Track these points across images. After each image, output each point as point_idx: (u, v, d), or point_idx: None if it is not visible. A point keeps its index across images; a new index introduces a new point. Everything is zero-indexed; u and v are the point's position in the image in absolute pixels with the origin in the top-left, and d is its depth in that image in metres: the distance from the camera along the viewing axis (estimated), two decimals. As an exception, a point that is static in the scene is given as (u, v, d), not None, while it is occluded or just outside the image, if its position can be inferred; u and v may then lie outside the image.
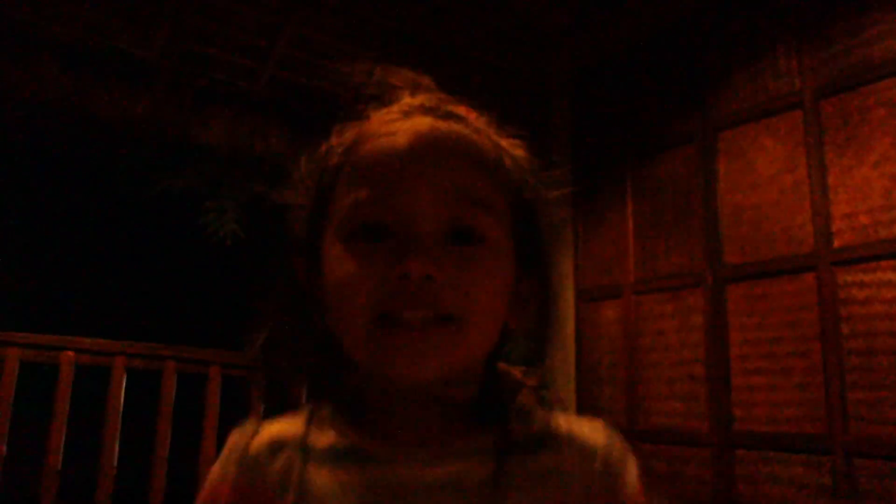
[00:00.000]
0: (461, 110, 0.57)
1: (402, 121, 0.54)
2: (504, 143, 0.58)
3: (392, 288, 0.49)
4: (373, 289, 0.50)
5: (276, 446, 0.57)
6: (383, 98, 0.58)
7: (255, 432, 0.58)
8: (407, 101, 0.57)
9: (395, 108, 0.56)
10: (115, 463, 2.66)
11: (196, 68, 3.34)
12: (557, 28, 3.65)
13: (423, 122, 0.53)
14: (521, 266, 0.56)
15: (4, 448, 2.49)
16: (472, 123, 0.56)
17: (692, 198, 3.15)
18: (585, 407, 3.46)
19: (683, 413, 3.03)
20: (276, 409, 0.61)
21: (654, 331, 3.22)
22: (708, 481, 2.88)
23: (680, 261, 3.16)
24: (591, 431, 0.59)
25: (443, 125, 0.54)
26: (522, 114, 3.79)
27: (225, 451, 0.59)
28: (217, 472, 0.58)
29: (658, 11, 3.35)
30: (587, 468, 0.57)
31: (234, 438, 0.59)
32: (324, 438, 0.56)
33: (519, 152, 0.59)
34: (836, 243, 2.63)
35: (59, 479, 2.56)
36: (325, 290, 0.54)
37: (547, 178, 0.61)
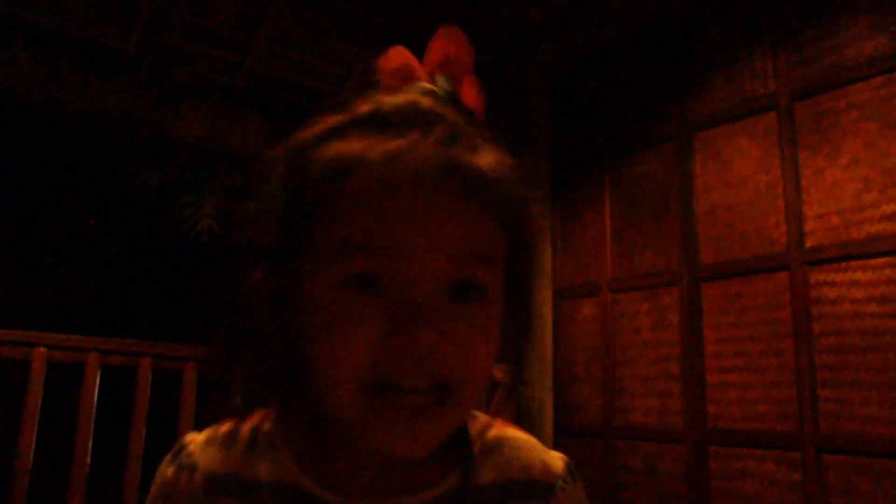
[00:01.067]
0: (477, 128, 0.49)
1: (402, 145, 0.45)
2: (503, 169, 0.49)
3: (392, 355, 0.44)
4: (369, 352, 0.44)
5: (212, 487, 0.52)
6: (367, 95, 0.50)
7: (190, 468, 0.53)
8: (399, 104, 0.48)
9: (386, 116, 0.47)
10: (89, 462, 2.63)
11: (174, 61, 3.30)
12: (537, 27, 3.66)
13: (425, 149, 0.45)
14: (507, 310, 0.51)
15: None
16: (475, 145, 0.48)
17: (669, 197, 3.19)
18: (562, 405, 3.49)
19: (659, 410, 3.07)
20: (213, 409, 0.56)
21: (631, 329, 3.25)
22: (682, 477, 2.92)
23: (656, 259, 3.20)
24: (544, 465, 0.58)
25: (457, 157, 0.45)
26: (502, 112, 3.79)
27: (160, 488, 0.54)
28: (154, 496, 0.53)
29: (637, 12, 3.38)
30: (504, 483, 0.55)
31: (166, 474, 0.54)
32: (264, 470, 0.51)
33: (513, 177, 0.51)
34: (809, 243, 2.68)
35: (28, 480, 2.52)
36: (307, 328, 0.47)
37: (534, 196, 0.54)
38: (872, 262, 2.50)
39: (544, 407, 3.55)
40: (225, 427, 0.55)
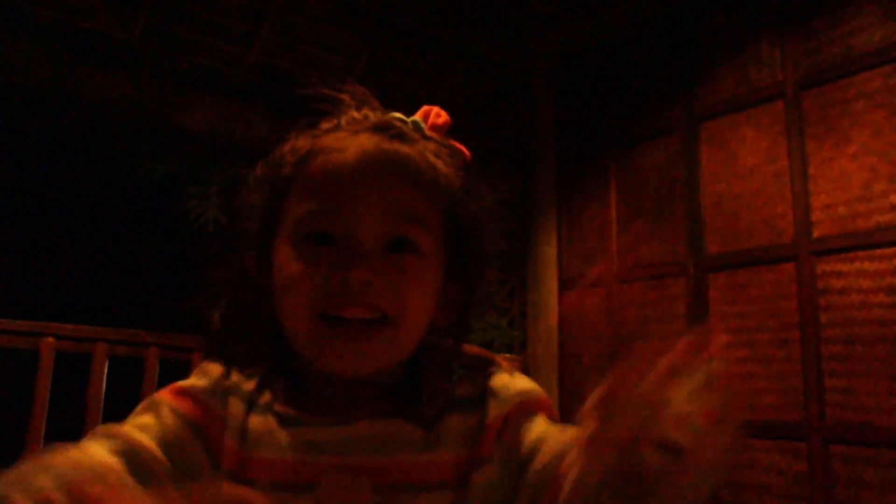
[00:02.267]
0: (405, 129, 0.62)
1: (350, 138, 0.59)
2: (440, 163, 0.62)
3: (334, 290, 0.56)
4: (316, 289, 0.56)
5: (230, 391, 0.63)
6: (334, 111, 0.64)
7: (219, 373, 0.64)
8: (354, 115, 0.63)
9: (345, 123, 0.62)
10: (97, 450, 2.64)
11: (178, 52, 3.29)
12: (541, 17, 3.64)
13: (370, 142, 0.59)
14: (451, 273, 0.63)
15: (-16, 435, 2.46)
16: (414, 143, 0.61)
17: (675, 187, 3.18)
18: (568, 395, 3.49)
19: (664, 400, 3.07)
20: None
21: (637, 319, 3.25)
22: (687, 467, 2.93)
23: (662, 250, 3.19)
24: (513, 384, 0.65)
25: (387, 145, 0.59)
26: (507, 102, 3.78)
27: (194, 376, 0.65)
28: (186, 385, 0.64)
29: (643, 1, 3.36)
30: (501, 413, 0.62)
31: (201, 370, 0.66)
32: (269, 398, 0.63)
33: (453, 171, 0.63)
34: (816, 233, 2.67)
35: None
36: (275, 286, 0.60)
37: (484, 194, 0.67)
38: (880, 252, 2.49)
39: (550, 398, 3.55)
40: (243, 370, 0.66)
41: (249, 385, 0.64)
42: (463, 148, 0.71)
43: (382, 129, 0.61)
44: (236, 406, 0.62)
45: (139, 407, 0.62)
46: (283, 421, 0.61)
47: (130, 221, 3.75)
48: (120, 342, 2.78)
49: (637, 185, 3.36)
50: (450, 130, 0.70)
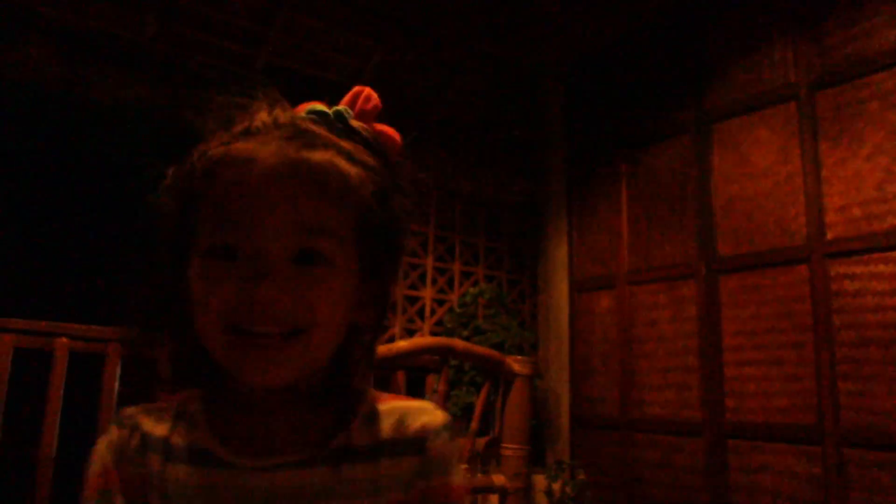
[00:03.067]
0: (321, 135, 0.61)
1: (258, 147, 0.58)
2: (352, 167, 0.60)
3: (242, 307, 0.55)
4: (224, 305, 0.56)
5: (147, 443, 0.63)
6: (245, 115, 0.63)
7: (132, 427, 0.64)
8: (264, 119, 0.61)
9: (253, 128, 0.60)
10: (109, 450, 2.65)
11: (189, 53, 3.30)
12: (551, 18, 3.63)
13: (279, 152, 0.57)
14: (365, 273, 0.62)
15: (-3, 434, 2.47)
16: (325, 148, 0.59)
17: (686, 189, 3.16)
18: (579, 397, 3.48)
19: (677, 403, 3.05)
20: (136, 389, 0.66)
21: (648, 321, 3.24)
22: (701, 470, 2.91)
23: (674, 251, 3.18)
24: (421, 424, 0.64)
25: (294, 154, 0.57)
26: (517, 104, 3.78)
27: (106, 441, 0.65)
28: (104, 459, 0.64)
29: (654, 2, 3.35)
30: (413, 465, 0.63)
31: (114, 433, 0.65)
32: (185, 437, 0.62)
33: (367, 171, 0.61)
34: (829, 235, 2.65)
35: (53, 466, 2.55)
36: (189, 297, 0.60)
37: (405, 185, 0.66)
38: (895, 254, 2.47)
39: (561, 399, 3.54)
40: (157, 403, 0.66)
41: (163, 426, 0.63)
42: (392, 132, 0.69)
43: (292, 136, 0.59)
44: (153, 461, 0.62)
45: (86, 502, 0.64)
46: (201, 461, 0.60)
47: (141, 221, 3.76)
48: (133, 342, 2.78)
49: (648, 187, 3.34)
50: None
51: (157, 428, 0.63)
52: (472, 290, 3.46)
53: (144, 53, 3.20)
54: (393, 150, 0.68)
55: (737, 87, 3.04)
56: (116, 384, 2.74)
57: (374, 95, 0.69)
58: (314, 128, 0.61)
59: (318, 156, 0.58)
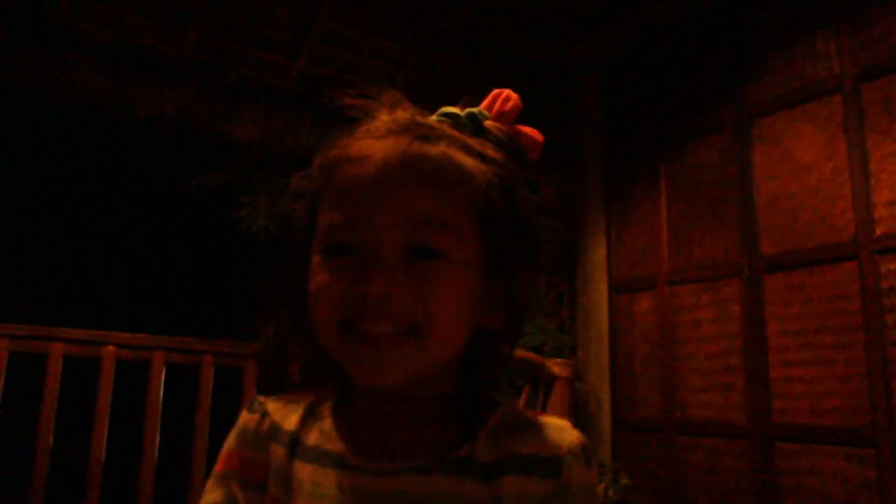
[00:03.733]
0: (436, 128, 0.60)
1: (374, 143, 0.58)
2: (470, 160, 0.59)
3: (354, 302, 0.55)
4: (337, 300, 0.55)
5: (273, 434, 0.63)
6: (366, 114, 0.63)
7: (262, 413, 0.65)
8: (384, 119, 0.61)
9: (373, 128, 0.60)
10: (157, 455, 2.72)
11: (227, 65, 3.37)
12: (585, 16, 3.60)
13: (393, 147, 0.57)
14: (492, 273, 0.60)
15: (51, 441, 2.55)
16: (440, 142, 0.58)
17: (727, 187, 3.10)
18: (620, 399, 3.44)
19: (721, 405, 2.99)
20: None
21: (690, 322, 3.18)
22: (747, 474, 2.84)
23: (715, 251, 3.11)
24: (556, 443, 0.60)
25: (408, 148, 0.57)
26: (552, 105, 3.76)
27: (237, 426, 0.66)
28: (232, 444, 0.65)
29: (691, -3, 3.29)
30: (544, 489, 0.58)
31: (244, 417, 0.66)
32: (314, 436, 0.62)
33: (489, 166, 0.60)
34: (879, 231, 2.57)
35: (102, 471, 2.62)
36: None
37: (530, 187, 0.64)
38: (949, 249, 2.39)
39: (601, 402, 3.50)
40: (291, 395, 0.67)
41: (293, 420, 0.63)
42: (532, 132, 0.67)
43: (406, 132, 0.58)
44: (278, 452, 0.62)
45: (209, 481, 0.64)
46: (328, 462, 0.60)
47: (184, 232, 3.85)
48: (176, 350, 2.85)
49: (688, 185, 3.29)
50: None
51: (287, 420, 0.64)
52: (509, 293, 3.45)
53: (184, 67, 3.28)
54: (532, 149, 0.67)
55: (778, 82, 2.97)
56: (161, 391, 2.80)
57: (514, 96, 0.68)
58: (431, 123, 0.61)
59: (432, 148, 0.57)
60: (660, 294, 3.33)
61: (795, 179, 2.85)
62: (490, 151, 0.61)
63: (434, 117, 0.64)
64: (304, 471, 0.60)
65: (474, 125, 0.64)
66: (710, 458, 3.00)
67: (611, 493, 3.07)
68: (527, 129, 0.67)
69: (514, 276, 0.61)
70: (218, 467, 0.64)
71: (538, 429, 0.60)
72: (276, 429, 0.64)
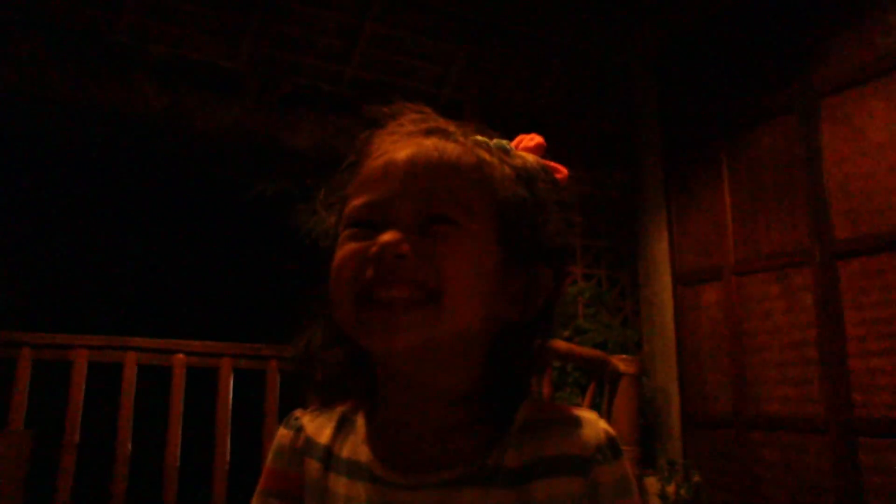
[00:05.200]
0: (457, 131, 0.63)
1: (399, 139, 0.62)
2: (489, 156, 0.62)
3: (369, 267, 0.55)
4: (353, 269, 0.57)
5: (309, 449, 0.65)
6: (395, 118, 0.66)
7: (297, 429, 0.67)
8: (412, 120, 0.64)
9: (397, 129, 0.64)
10: (228, 459, 2.78)
11: (281, 74, 3.43)
12: (638, 4, 3.52)
13: (416, 142, 0.60)
14: (509, 261, 0.60)
15: (129, 446, 2.64)
16: (463, 140, 0.62)
17: (794, 171, 2.98)
18: (689, 395, 3.34)
19: (796, 399, 2.87)
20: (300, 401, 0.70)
21: (760, 313, 3.06)
22: (829, 471, 2.72)
23: (784, 238, 2.99)
24: (581, 440, 0.59)
25: (430, 143, 0.60)
26: (608, 95, 3.69)
27: (274, 443, 0.68)
28: (270, 460, 0.67)
29: (748, -24, 3.18)
30: (573, 489, 0.57)
31: (280, 433, 0.68)
32: (346, 448, 0.63)
33: (506, 164, 0.63)
34: (964, 210, 2.42)
35: (178, 475, 2.70)
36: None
37: (553, 188, 0.65)
38: None
39: (670, 398, 3.41)
40: (325, 408, 0.67)
41: (326, 434, 0.64)
42: (558, 166, 0.69)
43: (429, 131, 0.62)
44: (313, 467, 0.63)
45: (253, 498, 0.67)
46: (360, 475, 0.60)
47: (246, 240, 3.94)
48: (243, 356, 2.92)
49: (752, 171, 3.17)
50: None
51: (320, 434, 0.65)
52: (570, 289, 3.40)
53: (240, 79, 3.35)
54: (556, 177, 0.68)
55: (846, 59, 2.83)
56: (230, 397, 2.87)
57: (538, 138, 0.70)
58: (454, 128, 0.64)
59: (453, 146, 0.61)
60: (726, 285, 3.22)
61: (868, 160, 2.71)
62: (510, 158, 0.64)
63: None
64: (338, 484, 0.61)
65: (503, 152, 0.65)
66: (786, 454, 2.88)
67: (683, 491, 2.98)
68: (553, 164, 0.69)
69: (533, 267, 0.61)
70: (260, 485, 0.66)
71: (564, 426, 0.59)
72: (310, 443, 0.65)
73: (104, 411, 2.65)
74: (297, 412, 0.69)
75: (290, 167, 3.41)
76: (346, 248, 0.58)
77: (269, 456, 0.67)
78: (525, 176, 0.63)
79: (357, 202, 0.60)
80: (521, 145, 0.68)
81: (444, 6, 3.41)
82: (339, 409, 0.66)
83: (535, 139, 0.69)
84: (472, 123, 0.67)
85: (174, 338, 2.85)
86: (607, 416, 2.88)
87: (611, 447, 0.59)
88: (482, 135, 0.66)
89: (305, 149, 3.43)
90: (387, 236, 0.55)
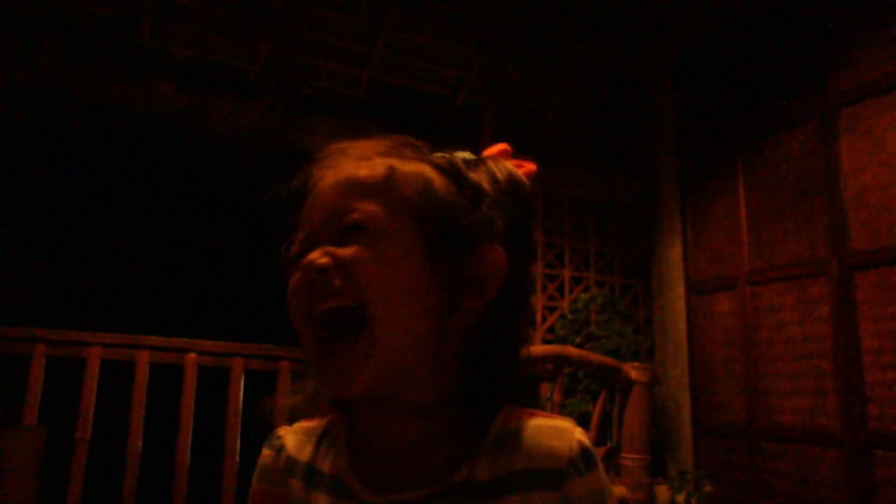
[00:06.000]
0: (386, 145, 0.64)
1: (328, 166, 0.63)
2: (411, 165, 0.62)
3: (301, 284, 0.57)
4: (297, 299, 0.58)
5: (291, 468, 0.65)
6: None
7: (278, 449, 0.67)
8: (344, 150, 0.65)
9: (331, 158, 0.65)
10: (238, 459, 2.80)
11: (299, 78, 3.45)
12: (656, 13, 3.51)
13: (337, 167, 0.62)
14: (443, 250, 0.59)
15: (140, 445, 2.66)
16: (386, 152, 0.63)
17: (811, 180, 2.95)
18: (701, 404, 3.32)
19: (810, 410, 2.84)
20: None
21: (774, 323, 3.04)
22: (842, 484, 2.69)
23: (800, 248, 2.97)
24: (552, 451, 0.57)
25: (348, 164, 0.62)
26: (624, 103, 3.69)
27: (258, 464, 0.68)
28: (255, 480, 0.68)
29: (767, -16, 3.16)
30: (550, 500, 0.56)
31: (263, 454, 0.68)
32: (327, 464, 0.63)
33: (429, 167, 0.63)
34: (984, 223, 2.39)
35: (188, 473, 2.71)
36: None
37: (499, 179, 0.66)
38: None
39: (682, 407, 3.39)
40: (307, 423, 0.67)
41: (307, 451, 0.65)
42: (523, 162, 0.69)
43: (355, 150, 0.64)
44: (296, 486, 0.63)
45: None
46: (340, 492, 0.60)
47: (261, 242, 3.96)
48: (254, 356, 2.93)
49: (768, 181, 3.15)
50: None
51: (302, 451, 0.65)
52: (583, 295, 3.39)
53: (258, 82, 3.38)
54: (524, 178, 0.68)
55: (866, 68, 2.80)
56: (241, 396, 2.88)
57: (502, 145, 0.71)
58: (385, 142, 0.65)
59: (367, 161, 0.62)
60: (741, 294, 3.19)
61: (887, 171, 2.68)
62: (439, 158, 0.64)
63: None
64: (320, 501, 0.61)
65: (466, 162, 0.66)
66: (800, 465, 2.85)
67: (693, 501, 2.96)
68: (518, 161, 0.70)
69: (473, 248, 0.60)
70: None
71: (536, 438, 0.58)
72: (292, 462, 0.65)
73: (117, 409, 2.67)
74: (280, 430, 0.68)
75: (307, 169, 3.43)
76: (290, 283, 0.59)
77: (255, 476, 0.68)
78: (451, 168, 0.63)
79: (296, 243, 0.61)
80: (486, 152, 0.70)
81: (461, 11, 3.42)
82: (322, 423, 0.66)
83: (498, 146, 0.70)
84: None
85: (187, 337, 2.87)
86: (618, 422, 2.87)
87: (584, 458, 0.57)
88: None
89: (321, 152, 3.45)
90: (309, 256, 0.57)
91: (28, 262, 3.55)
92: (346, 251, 0.56)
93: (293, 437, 0.66)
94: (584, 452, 0.57)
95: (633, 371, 2.86)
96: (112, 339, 2.72)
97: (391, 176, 0.60)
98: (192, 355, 2.81)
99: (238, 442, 2.82)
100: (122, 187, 3.84)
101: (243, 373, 2.88)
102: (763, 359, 3.06)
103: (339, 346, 0.56)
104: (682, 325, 3.45)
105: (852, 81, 2.84)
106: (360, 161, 0.62)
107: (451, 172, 0.63)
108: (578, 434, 0.58)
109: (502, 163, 0.67)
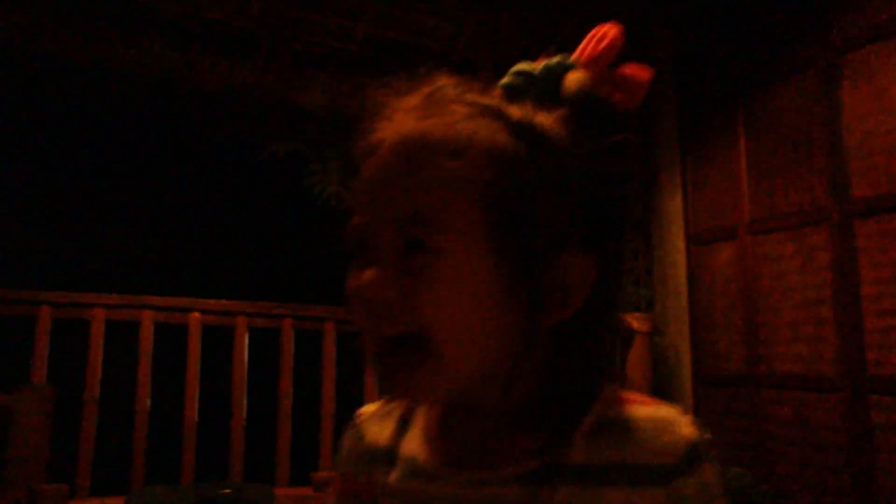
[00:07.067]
0: (446, 103, 0.54)
1: (389, 125, 0.54)
2: (481, 134, 0.52)
3: (356, 303, 0.52)
4: (356, 307, 0.52)
5: (371, 451, 0.63)
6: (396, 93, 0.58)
7: (359, 436, 0.65)
8: (422, 93, 0.56)
9: (391, 111, 0.56)
10: (245, 416, 2.84)
11: (292, 33, 3.39)
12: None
13: (396, 129, 0.53)
14: (514, 261, 0.51)
15: (148, 402, 2.70)
16: (448, 118, 0.53)
17: (813, 129, 2.93)
18: (701, 354, 3.35)
19: (809, 358, 2.87)
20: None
21: (774, 272, 3.05)
22: (840, 428, 2.73)
23: (801, 197, 2.96)
24: (664, 445, 0.53)
25: (409, 127, 0.53)
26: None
27: (341, 447, 0.68)
28: (340, 465, 0.67)
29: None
30: (653, 501, 0.52)
31: (345, 441, 0.67)
32: (407, 447, 0.61)
33: (506, 138, 0.52)
34: None
35: (196, 430, 2.76)
36: None
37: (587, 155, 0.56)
38: None
39: (682, 356, 3.43)
40: (386, 404, 0.66)
41: (386, 434, 0.63)
42: (635, 71, 0.59)
43: (420, 108, 0.54)
44: (378, 469, 0.62)
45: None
46: (420, 472, 0.58)
47: (260, 201, 3.95)
48: (258, 315, 2.95)
49: (769, 128, 3.12)
50: None
51: (381, 436, 0.63)
52: (583, 249, 3.39)
53: (251, 38, 3.32)
54: (634, 92, 0.60)
55: (869, 13, 2.75)
56: (246, 354, 2.91)
57: (611, 33, 0.58)
58: (451, 93, 0.55)
59: (439, 120, 0.52)
60: (741, 244, 3.20)
61: (890, 118, 2.65)
62: (534, 117, 0.54)
63: (505, 78, 0.58)
64: (403, 483, 0.59)
65: (552, 80, 0.56)
66: (798, 411, 2.90)
67: (693, 448, 3.02)
68: (629, 70, 0.59)
69: (557, 259, 0.52)
70: (333, 489, 0.66)
71: (644, 431, 0.53)
72: (373, 446, 0.63)
73: (125, 369, 2.71)
74: (360, 412, 0.67)
75: (302, 127, 3.40)
76: (349, 283, 0.53)
77: (339, 461, 0.67)
78: (537, 152, 0.52)
79: (353, 219, 0.55)
80: (588, 52, 0.57)
81: (456, -39, 3.34)
82: (402, 404, 0.64)
83: (606, 38, 0.57)
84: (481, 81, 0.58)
85: (190, 297, 2.89)
86: (620, 372, 2.91)
87: (695, 452, 0.53)
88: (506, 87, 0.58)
89: (318, 109, 3.42)
90: (366, 275, 0.51)
91: (28, 225, 3.55)
92: (408, 280, 0.50)
93: (373, 420, 0.65)
94: (695, 446, 0.53)
95: (635, 321, 2.89)
96: (115, 300, 2.74)
97: (463, 150, 0.51)
98: (196, 314, 2.83)
99: (245, 399, 2.86)
100: (120, 147, 3.81)
101: (247, 331, 2.91)
102: (762, 308, 3.08)
103: (405, 364, 0.51)
104: (681, 275, 3.46)
105: (855, 26, 2.79)
106: (425, 121, 0.53)
107: (533, 142, 0.52)
108: (687, 425, 0.54)
109: (633, 87, 0.58)
